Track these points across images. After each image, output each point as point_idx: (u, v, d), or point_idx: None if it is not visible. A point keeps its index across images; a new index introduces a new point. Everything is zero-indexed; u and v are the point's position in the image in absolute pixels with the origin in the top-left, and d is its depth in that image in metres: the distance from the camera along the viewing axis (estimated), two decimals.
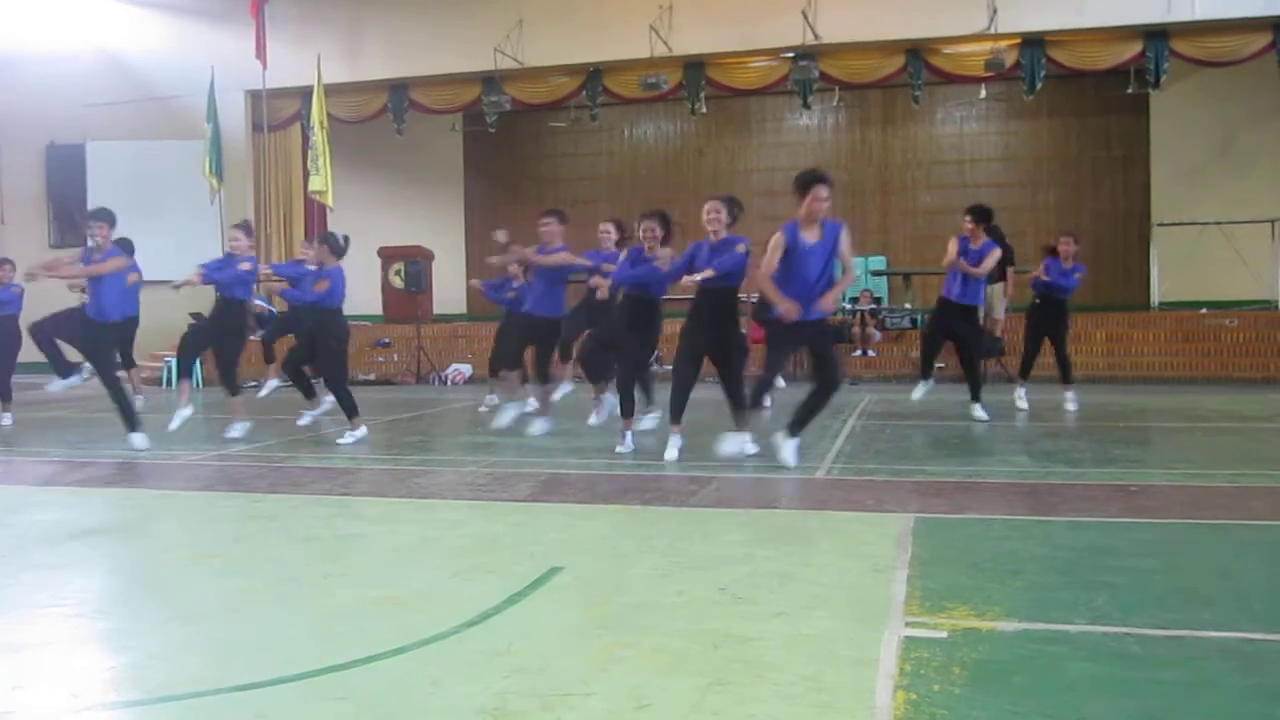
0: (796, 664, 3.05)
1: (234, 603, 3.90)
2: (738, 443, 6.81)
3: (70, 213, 18.97)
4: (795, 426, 6.69)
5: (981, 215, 9.00)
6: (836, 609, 3.62)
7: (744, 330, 8.54)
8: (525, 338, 8.81)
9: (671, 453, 6.94)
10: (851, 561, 4.28)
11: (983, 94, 18.90)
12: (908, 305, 16.61)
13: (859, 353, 15.35)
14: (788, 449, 6.61)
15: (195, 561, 4.61)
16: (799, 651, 3.16)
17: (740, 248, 6.75)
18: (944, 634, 3.27)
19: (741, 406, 6.95)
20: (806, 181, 6.41)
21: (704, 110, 17.64)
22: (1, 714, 2.87)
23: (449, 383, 15.76)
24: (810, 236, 6.45)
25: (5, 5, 17.91)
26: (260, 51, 17.33)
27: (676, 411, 7.05)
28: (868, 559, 4.30)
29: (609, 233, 8.94)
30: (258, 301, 17.49)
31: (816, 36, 15.84)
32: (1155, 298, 17.35)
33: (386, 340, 17.05)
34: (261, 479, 6.92)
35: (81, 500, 6.14)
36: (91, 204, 18.61)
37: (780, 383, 11.44)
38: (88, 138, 18.81)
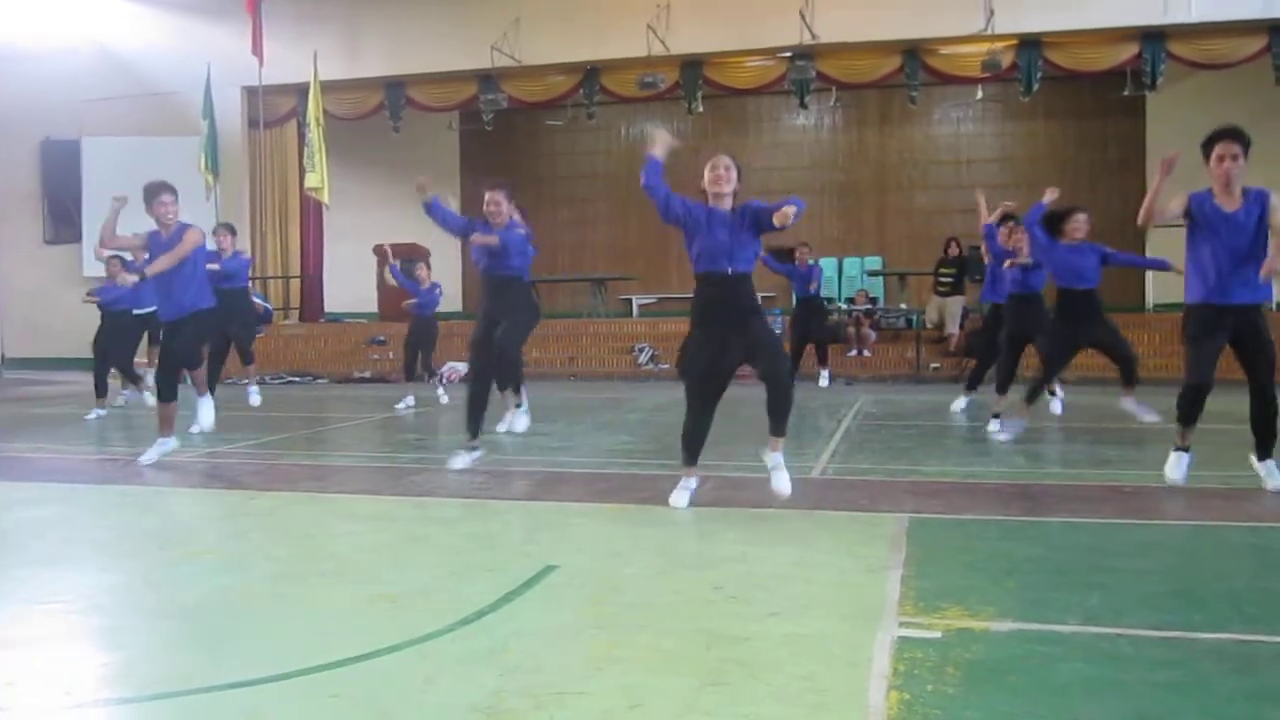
0: (791, 664, 3.06)
1: (228, 600, 3.89)
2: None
3: (65, 208, 18.93)
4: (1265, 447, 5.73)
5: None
6: (831, 609, 3.62)
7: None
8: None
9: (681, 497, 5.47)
10: (846, 561, 4.28)
11: (979, 95, 18.92)
12: (903, 305, 16.63)
13: (854, 353, 15.36)
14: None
15: (189, 558, 4.60)
16: (793, 651, 3.17)
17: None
18: (938, 634, 3.28)
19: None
20: (1209, 140, 5.69)
21: (701, 110, 17.66)
22: None
23: (445, 380, 15.74)
24: (1228, 204, 5.63)
25: (0, 2, 17.85)
26: (257, 48, 17.31)
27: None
28: (862, 559, 4.31)
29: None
30: (255, 299, 17.50)
31: (814, 36, 15.85)
32: (1150, 299, 17.37)
33: (381, 338, 17.04)
34: (256, 476, 6.92)
35: (75, 496, 6.13)
36: (86, 201, 18.64)
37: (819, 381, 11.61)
38: (83, 133, 18.78)
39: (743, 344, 5.20)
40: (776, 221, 5.03)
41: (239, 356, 10.41)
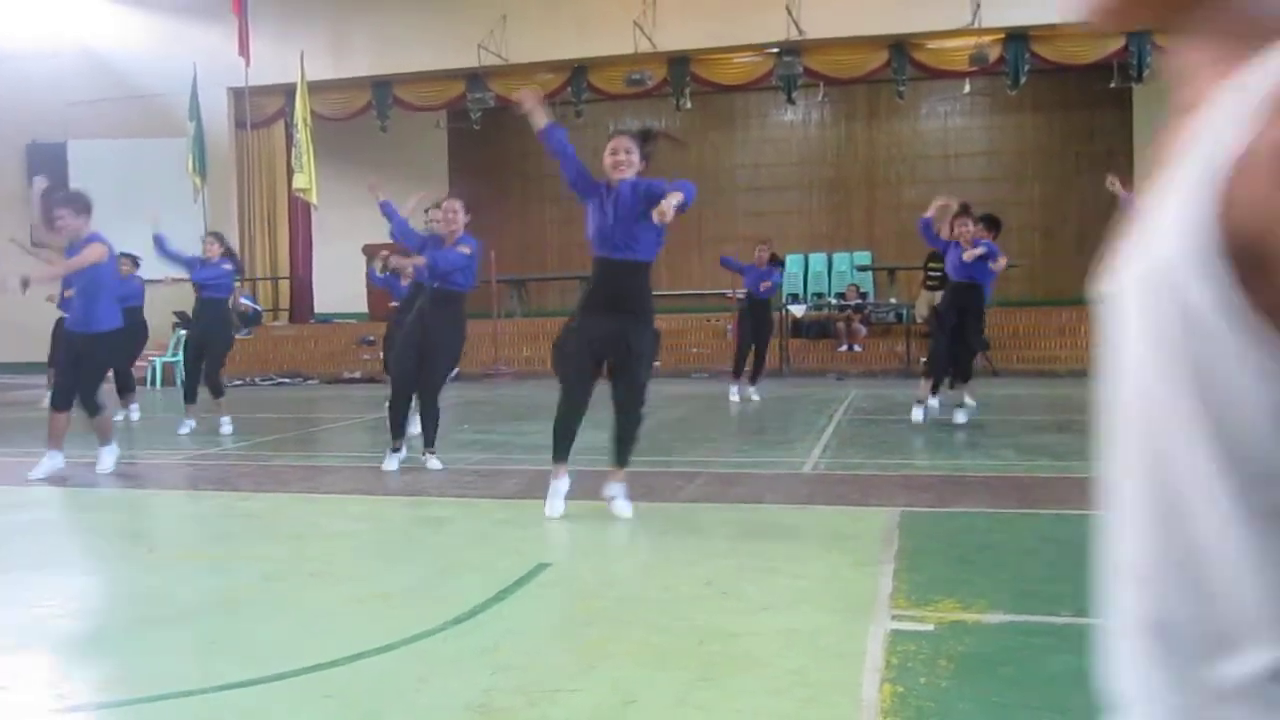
0: (783, 658, 3.06)
1: (220, 601, 3.88)
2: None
3: (51, 211, 18.87)
4: None
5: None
6: (823, 603, 3.62)
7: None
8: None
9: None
10: (838, 555, 4.29)
11: (967, 89, 18.95)
12: (893, 300, 16.66)
13: (844, 347, 15.38)
14: None
15: (181, 560, 4.59)
16: (785, 645, 3.17)
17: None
18: (930, 627, 3.28)
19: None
20: None
21: (689, 106, 17.65)
22: None
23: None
24: None
25: None
26: (243, 48, 17.24)
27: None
28: (854, 553, 4.32)
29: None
30: (244, 300, 17.47)
31: (800, 32, 15.85)
32: None
33: (371, 338, 16.99)
34: (247, 478, 6.89)
35: (68, 500, 6.10)
36: None
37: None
38: (69, 136, 18.69)
39: (614, 347, 4.95)
40: (655, 218, 4.70)
41: (209, 388, 9.23)
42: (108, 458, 6.82)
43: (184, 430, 8.94)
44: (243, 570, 4.38)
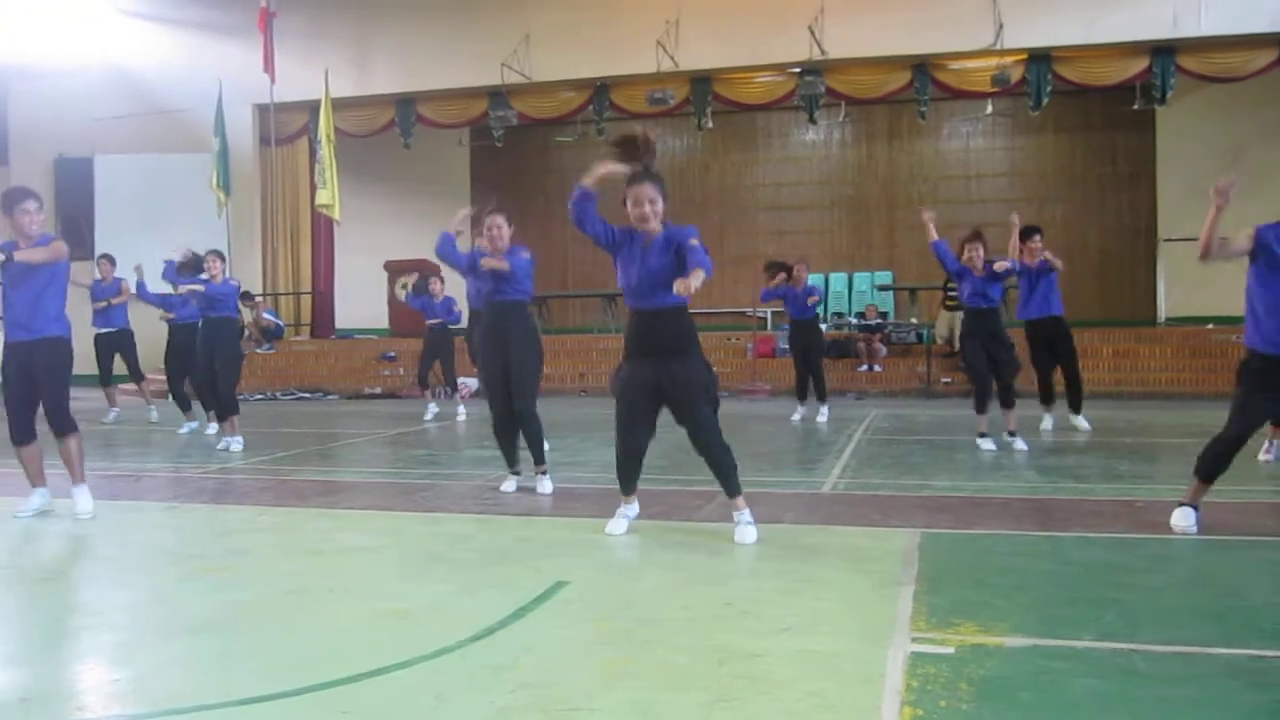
0: (802, 680, 3.04)
1: (239, 615, 3.89)
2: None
3: (78, 226, 19.04)
4: None
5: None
6: (843, 625, 3.60)
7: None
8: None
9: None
10: (857, 577, 4.26)
11: (989, 109, 18.95)
12: (913, 320, 16.62)
13: (865, 368, 15.35)
14: None
15: (200, 574, 4.60)
16: (805, 667, 3.15)
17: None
18: (951, 650, 3.26)
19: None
20: None
21: (710, 125, 17.72)
22: None
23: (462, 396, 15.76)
24: None
25: (15, 21, 17.99)
26: (268, 65, 17.43)
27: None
28: (874, 574, 4.29)
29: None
30: (266, 315, 17.58)
31: (823, 52, 15.90)
32: (1162, 313, 17.33)
33: (392, 354, 17.07)
34: (267, 492, 6.92)
35: (82, 512, 6.12)
36: (100, 218, 18.76)
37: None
38: (96, 151, 18.90)
39: (666, 390, 4.89)
40: (677, 289, 4.54)
41: (218, 406, 9.29)
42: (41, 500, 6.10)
43: (185, 430, 9.14)
44: (262, 585, 4.39)
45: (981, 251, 8.46)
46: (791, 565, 4.49)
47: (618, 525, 5.19)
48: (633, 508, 5.30)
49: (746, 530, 4.95)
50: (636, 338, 4.99)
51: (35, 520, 5.89)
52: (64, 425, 5.97)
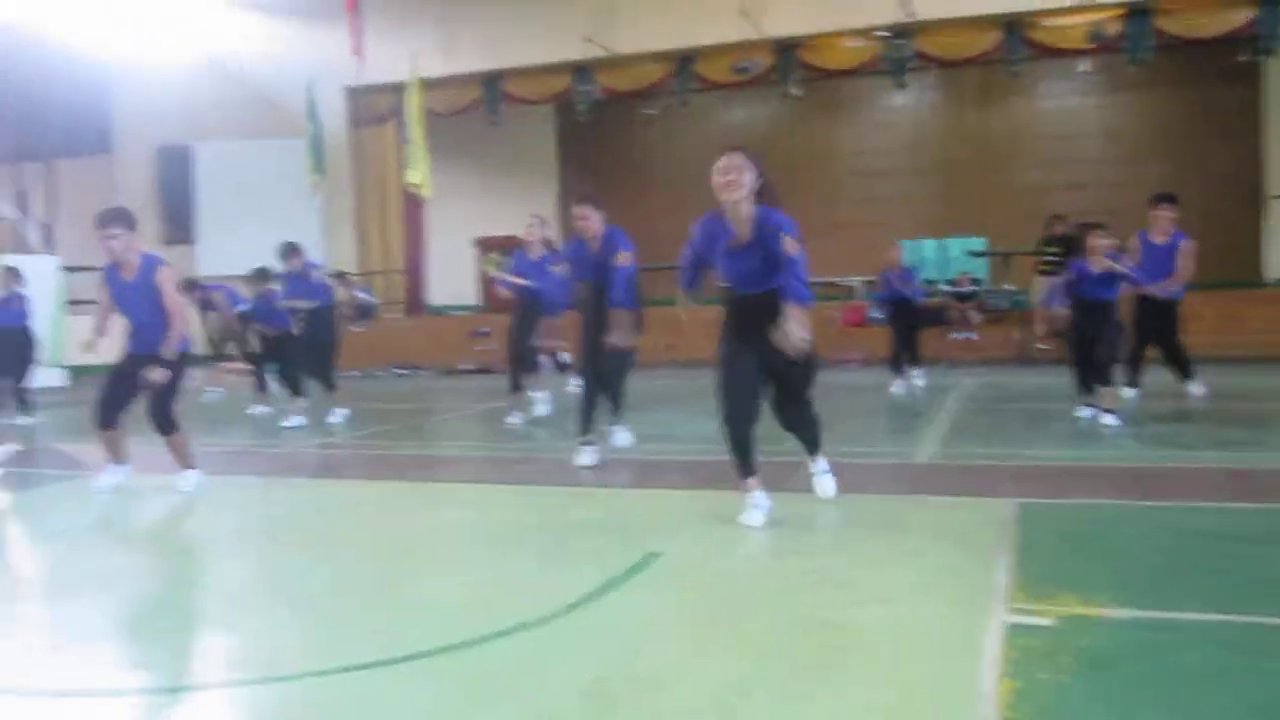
0: (897, 651, 3.02)
1: (339, 586, 4.00)
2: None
3: (180, 211, 19.60)
4: None
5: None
6: (937, 595, 3.56)
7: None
8: None
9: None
10: (951, 547, 4.21)
11: (1084, 67, 18.35)
12: (1008, 286, 16.24)
13: (958, 335, 15.07)
14: None
15: (301, 546, 4.73)
16: (898, 638, 3.13)
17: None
18: (1050, 621, 3.20)
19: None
20: None
21: (796, 93, 17.44)
22: (120, 691, 2.99)
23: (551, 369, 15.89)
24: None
25: (116, 16, 18.53)
26: (357, 49, 17.68)
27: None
28: (969, 544, 4.23)
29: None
30: (359, 294, 17.92)
31: (911, 14, 15.55)
32: (1269, 273, 16.67)
33: (485, 329, 17.26)
34: (365, 466, 7.08)
35: (192, 488, 6.33)
36: (199, 203, 19.28)
37: None
38: (195, 138, 19.41)
39: (769, 361, 4.76)
40: (786, 349, 4.54)
41: (323, 384, 9.68)
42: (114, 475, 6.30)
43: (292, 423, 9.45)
44: (360, 556, 4.50)
45: (1104, 240, 7.81)
46: (884, 536, 4.45)
47: (752, 517, 4.70)
48: (763, 496, 4.77)
49: (827, 482, 5.15)
50: (739, 318, 4.88)
51: (144, 495, 6.11)
52: (167, 428, 6.14)
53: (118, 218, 5.95)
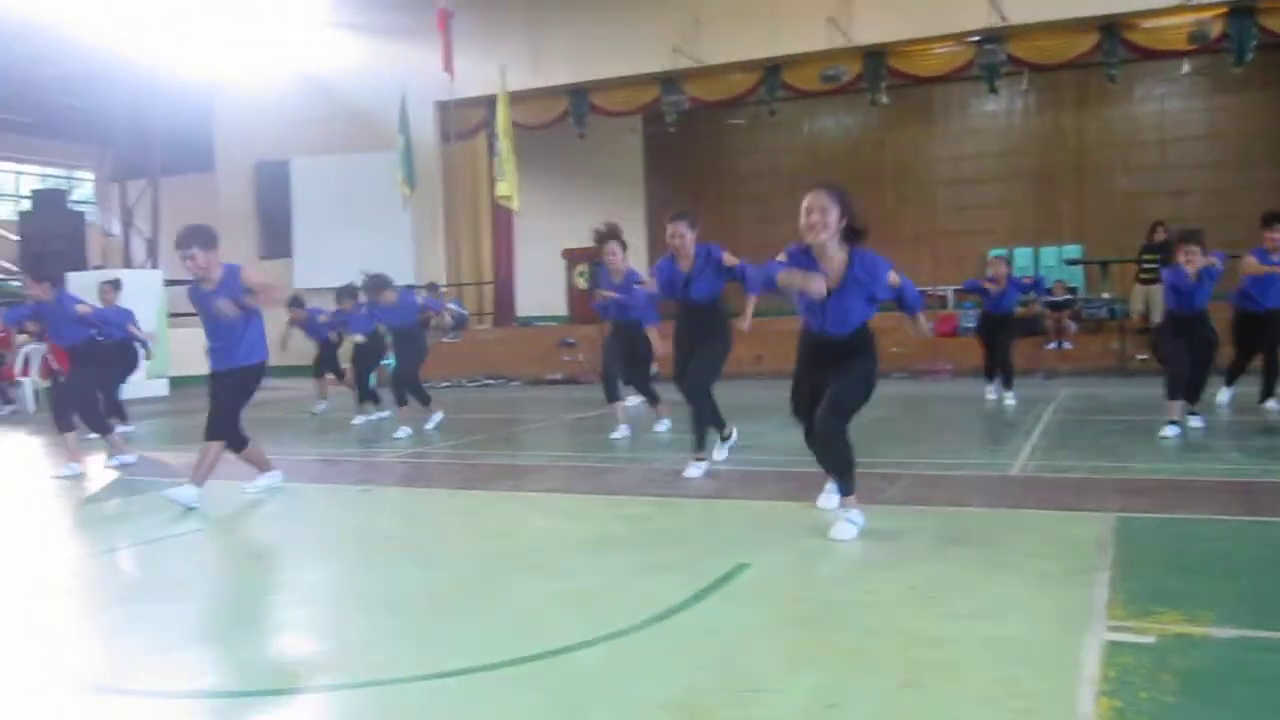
0: (993, 667, 2.96)
1: (430, 593, 4.06)
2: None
3: (277, 225, 20.12)
4: None
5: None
6: (1033, 611, 3.49)
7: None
8: None
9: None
10: (1049, 562, 4.12)
11: (1185, 68, 17.85)
12: (1105, 295, 15.85)
13: (1054, 345, 14.75)
14: None
15: (393, 553, 4.82)
16: (995, 654, 3.07)
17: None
18: (1151, 639, 3.11)
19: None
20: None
21: (885, 101, 17.27)
22: (218, 693, 3.08)
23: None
24: None
25: (217, 39, 19.16)
26: (448, 64, 17.99)
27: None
28: (1066, 559, 4.13)
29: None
30: (450, 306, 18.18)
31: (1003, 18, 15.29)
32: None
33: (572, 340, 17.39)
34: (455, 475, 7.18)
35: (287, 494, 6.49)
36: (296, 217, 19.78)
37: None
38: (292, 154, 19.93)
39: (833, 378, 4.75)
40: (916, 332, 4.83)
41: (416, 399, 9.90)
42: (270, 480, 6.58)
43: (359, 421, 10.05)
44: (451, 564, 4.56)
45: (1199, 254, 7.56)
46: (978, 549, 4.38)
47: (843, 531, 4.63)
48: (857, 513, 4.71)
49: (833, 498, 5.01)
50: (814, 352, 4.85)
51: (241, 502, 6.28)
52: (219, 435, 6.19)
53: (195, 238, 6.04)
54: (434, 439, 9.18)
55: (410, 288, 12.27)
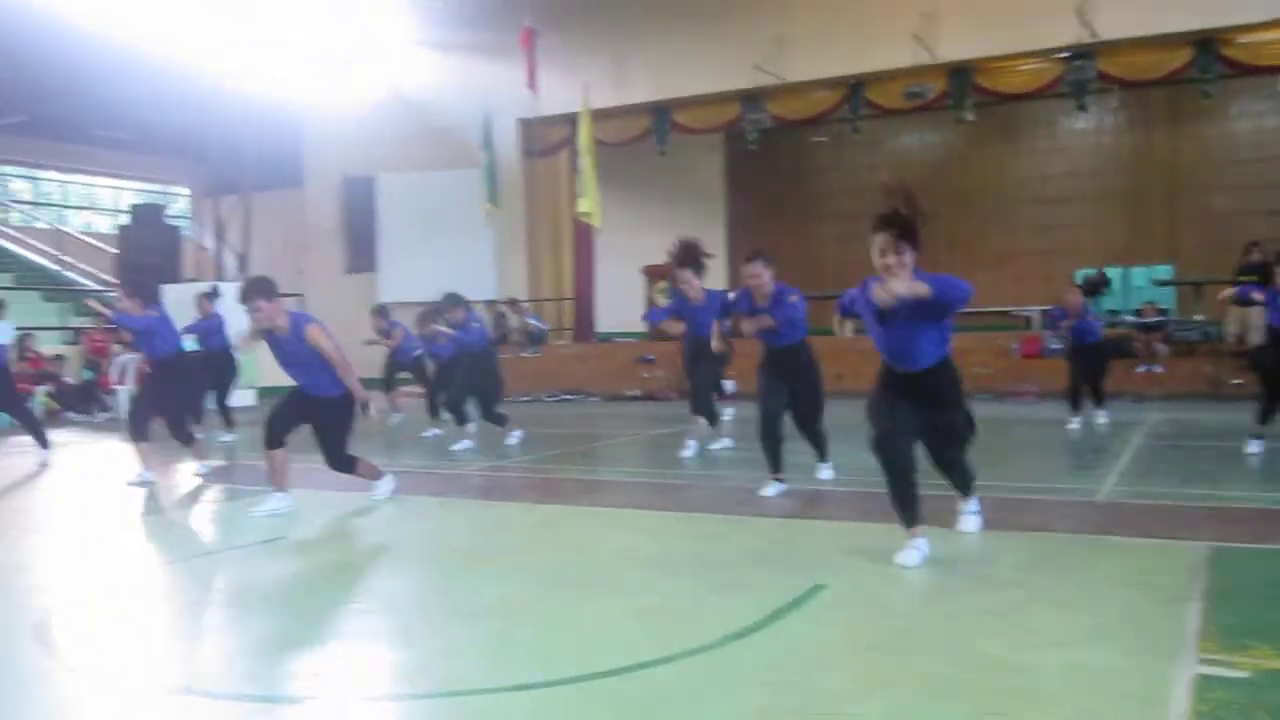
0: (1076, 697, 2.88)
1: (507, 606, 4.08)
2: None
3: (363, 240, 20.52)
4: None
5: None
6: (1120, 641, 3.39)
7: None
8: None
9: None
10: (1136, 591, 4.00)
11: None
12: (1199, 317, 15.40)
13: (1143, 369, 14.37)
14: None
15: (472, 566, 4.86)
16: (1079, 684, 2.99)
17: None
18: (1245, 674, 3.00)
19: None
20: None
21: (970, 118, 17.03)
22: (299, 698, 3.12)
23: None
24: None
25: (306, 59, 19.67)
26: (531, 82, 18.21)
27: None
28: (1155, 589, 4.01)
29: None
30: (530, 321, 18.34)
31: (1093, 34, 15.01)
32: None
33: (651, 357, 17.41)
34: (533, 489, 7.23)
35: (368, 506, 6.59)
36: (381, 232, 20.14)
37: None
38: (378, 170, 20.31)
39: (928, 417, 4.70)
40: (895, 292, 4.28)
41: (492, 422, 9.94)
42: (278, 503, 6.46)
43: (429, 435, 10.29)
44: (529, 578, 4.58)
45: None
46: (1063, 576, 4.27)
47: (909, 557, 4.52)
48: (923, 540, 4.59)
49: (971, 519, 5.12)
50: (894, 387, 4.74)
51: (324, 515, 6.39)
52: (345, 467, 6.52)
53: (258, 291, 6.18)
54: (512, 453, 9.25)
55: (491, 302, 12.37)
